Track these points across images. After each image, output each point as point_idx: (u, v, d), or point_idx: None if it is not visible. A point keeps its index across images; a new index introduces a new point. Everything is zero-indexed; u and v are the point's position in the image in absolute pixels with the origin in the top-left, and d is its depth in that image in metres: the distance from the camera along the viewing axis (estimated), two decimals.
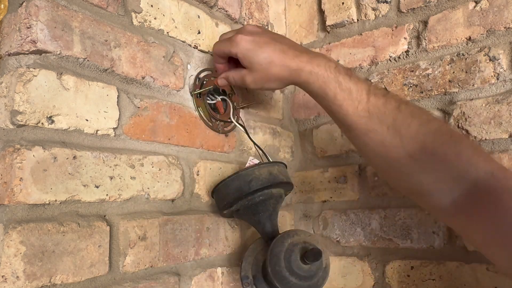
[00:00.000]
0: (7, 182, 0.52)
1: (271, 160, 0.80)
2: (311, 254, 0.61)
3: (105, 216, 0.62)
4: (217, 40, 0.88)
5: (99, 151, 0.62)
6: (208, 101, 0.82)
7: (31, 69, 0.55)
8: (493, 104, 0.75)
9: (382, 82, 0.89)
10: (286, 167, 0.78)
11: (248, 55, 0.66)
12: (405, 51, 0.87)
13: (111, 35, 0.66)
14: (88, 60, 0.62)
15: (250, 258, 0.75)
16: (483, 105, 0.76)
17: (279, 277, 0.63)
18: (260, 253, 0.75)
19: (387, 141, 0.59)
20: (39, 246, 0.53)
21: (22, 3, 0.56)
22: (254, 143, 0.83)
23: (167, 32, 0.75)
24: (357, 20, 0.94)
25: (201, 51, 0.83)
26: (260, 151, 0.83)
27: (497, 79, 0.75)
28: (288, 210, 1.00)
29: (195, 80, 0.80)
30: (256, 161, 0.77)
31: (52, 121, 0.57)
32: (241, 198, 0.70)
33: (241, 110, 0.88)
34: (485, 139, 0.75)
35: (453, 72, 0.80)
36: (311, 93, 0.66)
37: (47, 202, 0.55)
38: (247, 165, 0.76)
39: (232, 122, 0.85)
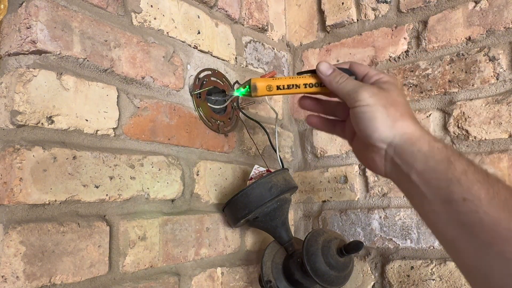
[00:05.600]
0: (7, 182, 0.52)
1: (284, 165, 0.82)
2: (353, 246, 0.66)
3: (105, 216, 0.62)
4: (218, 40, 0.88)
5: (99, 151, 0.62)
6: (212, 105, 0.82)
7: (31, 69, 0.55)
8: (493, 104, 0.75)
9: None
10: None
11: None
12: (405, 51, 0.87)
13: (111, 35, 0.66)
14: (88, 60, 0.62)
15: (268, 262, 0.77)
16: (483, 105, 0.76)
17: (320, 273, 0.68)
18: (276, 256, 0.78)
19: None
20: (39, 246, 0.53)
21: (22, 3, 0.56)
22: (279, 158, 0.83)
23: (167, 32, 0.75)
24: (357, 20, 0.94)
25: (201, 51, 0.83)
26: (259, 153, 0.83)
27: (497, 79, 0.75)
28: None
29: (195, 80, 0.80)
30: (262, 169, 0.78)
31: (52, 121, 0.57)
32: (261, 205, 0.72)
33: (241, 110, 0.88)
34: (485, 139, 0.75)
35: (453, 72, 0.80)
36: (428, 161, 0.42)
37: (47, 202, 0.55)
38: (253, 173, 0.78)
39: (232, 122, 0.85)
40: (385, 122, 0.45)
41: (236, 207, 0.74)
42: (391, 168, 0.46)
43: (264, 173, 0.78)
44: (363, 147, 0.50)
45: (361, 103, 0.47)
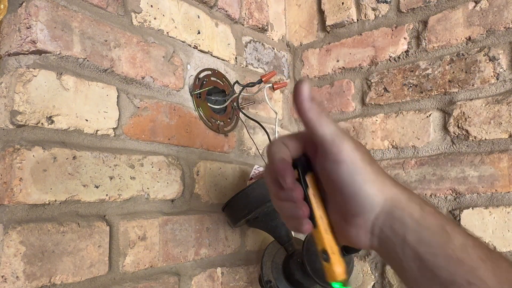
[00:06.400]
0: (7, 182, 0.52)
1: None
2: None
3: (105, 216, 0.62)
4: (218, 40, 0.88)
5: (99, 151, 0.62)
6: (212, 105, 0.82)
7: (31, 69, 0.55)
8: (493, 104, 0.75)
9: (382, 82, 0.89)
10: None
11: None
12: (405, 51, 0.87)
13: (111, 35, 0.66)
14: (88, 60, 0.62)
15: (268, 262, 0.77)
16: (483, 105, 0.76)
17: (321, 273, 0.67)
18: (276, 257, 0.78)
19: None
20: (39, 246, 0.53)
21: (22, 3, 0.56)
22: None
23: (167, 32, 0.75)
24: (357, 20, 0.94)
25: (201, 51, 0.83)
26: (259, 153, 0.83)
27: (497, 79, 0.75)
28: None
29: (195, 80, 0.80)
30: (262, 169, 0.78)
31: (52, 121, 0.57)
32: (261, 205, 0.72)
33: (241, 110, 0.88)
34: (485, 139, 0.75)
35: (453, 72, 0.80)
36: (422, 232, 0.35)
37: (47, 202, 0.55)
38: (252, 173, 0.77)
39: (232, 122, 0.85)
40: (375, 186, 0.35)
41: (236, 207, 0.74)
42: (379, 243, 0.36)
43: (263, 172, 0.78)
44: (340, 218, 0.37)
45: (345, 157, 0.35)
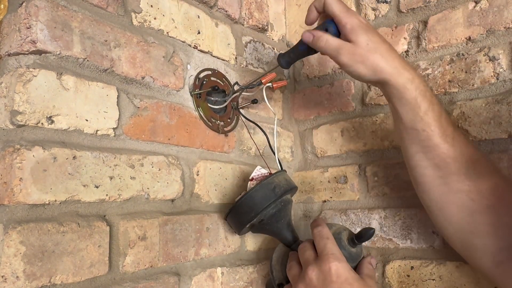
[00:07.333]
0: (7, 182, 0.52)
1: (283, 166, 0.82)
2: (364, 234, 0.66)
3: (105, 216, 0.62)
4: (218, 40, 0.88)
5: (99, 151, 0.62)
6: (212, 105, 0.82)
7: (31, 69, 0.55)
8: (493, 104, 0.75)
9: None
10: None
11: (359, 28, 0.63)
12: (405, 51, 0.87)
13: (111, 35, 0.66)
14: (88, 60, 0.62)
15: (277, 266, 0.76)
16: (483, 105, 0.76)
17: None
18: (284, 259, 0.76)
19: (464, 173, 0.61)
20: (39, 246, 0.53)
21: (22, 3, 0.56)
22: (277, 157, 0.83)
23: (167, 32, 0.75)
24: None
25: (201, 51, 0.83)
26: (259, 153, 0.82)
27: (497, 79, 0.75)
28: None
29: (195, 80, 0.80)
30: (264, 170, 0.77)
31: (52, 121, 0.57)
32: (266, 207, 0.71)
33: (240, 110, 0.88)
34: (485, 139, 0.75)
35: (453, 72, 0.80)
36: (402, 100, 0.62)
37: (47, 202, 0.55)
38: (254, 174, 0.76)
39: (232, 122, 0.85)
40: (367, 72, 0.63)
41: (241, 212, 0.72)
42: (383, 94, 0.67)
43: (265, 175, 0.78)
44: None
45: (344, 67, 0.64)
